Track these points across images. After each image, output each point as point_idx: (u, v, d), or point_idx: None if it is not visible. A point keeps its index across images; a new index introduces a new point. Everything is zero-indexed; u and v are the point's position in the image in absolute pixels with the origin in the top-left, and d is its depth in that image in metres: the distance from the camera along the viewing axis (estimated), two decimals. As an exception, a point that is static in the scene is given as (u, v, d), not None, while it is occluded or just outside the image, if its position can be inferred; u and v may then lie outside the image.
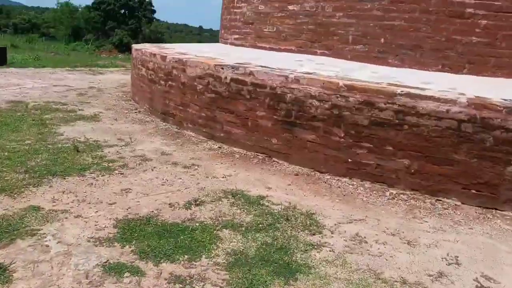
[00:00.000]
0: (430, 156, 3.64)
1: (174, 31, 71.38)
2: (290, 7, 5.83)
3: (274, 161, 4.33)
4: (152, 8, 45.60)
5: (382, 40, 5.04)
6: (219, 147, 4.70)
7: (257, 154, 4.47)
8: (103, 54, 28.66)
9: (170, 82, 5.46)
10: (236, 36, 6.95)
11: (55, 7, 42.18)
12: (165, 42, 40.00)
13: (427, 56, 4.84)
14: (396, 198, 3.63)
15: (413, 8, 4.86)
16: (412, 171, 3.71)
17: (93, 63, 14.15)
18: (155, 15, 46.96)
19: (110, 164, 3.89)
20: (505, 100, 3.51)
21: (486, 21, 4.56)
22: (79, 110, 6.03)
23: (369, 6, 5.09)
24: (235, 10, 6.98)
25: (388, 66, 5.03)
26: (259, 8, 6.34)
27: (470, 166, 3.53)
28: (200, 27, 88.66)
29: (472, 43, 4.64)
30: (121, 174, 3.69)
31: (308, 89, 4.08)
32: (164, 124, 5.55)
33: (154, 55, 5.84)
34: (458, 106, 3.51)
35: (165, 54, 5.62)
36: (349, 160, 3.95)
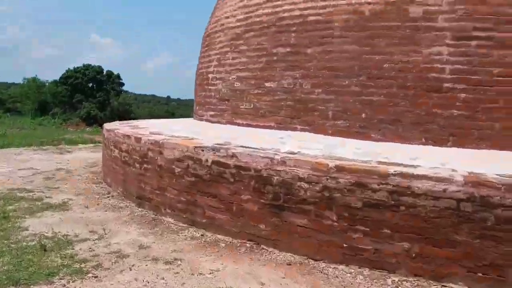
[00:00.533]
0: (431, 238, 3.44)
1: (142, 101, 71.68)
2: (267, 84, 5.79)
3: (263, 248, 4.02)
4: (120, 81, 45.91)
5: (363, 115, 5.00)
6: (201, 234, 4.36)
7: (244, 241, 4.15)
8: (70, 128, 28.23)
9: (145, 165, 5.18)
10: (212, 113, 6.84)
11: (22, 82, 41.93)
12: (133, 113, 40.10)
13: (408, 129, 4.80)
14: (399, 286, 3.36)
15: (390, 84, 4.88)
16: (413, 255, 3.48)
17: (60, 137, 13.76)
18: (123, 87, 47.13)
19: (82, 265, 3.47)
20: (501, 176, 3.41)
21: (465, 95, 4.59)
22: (46, 197, 5.60)
23: (347, 82, 5.10)
24: (209, 87, 6.93)
25: (370, 140, 4.95)
26: (235, 85, 6.29)
27: (473, 247, 3.33)
28: (168, 97, 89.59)
29: (453, 116, 4.63)
30: (95, 277, 3.28)
31: (296, 171, 3.88)
32: (139, 209, 5.18)
33: (128, 136, 5.59)
34: (456, 185, 3.37)
35: (139, 136, 5.39)
36: (344, 245, 3.69)
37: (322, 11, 5.42)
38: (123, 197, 5.69)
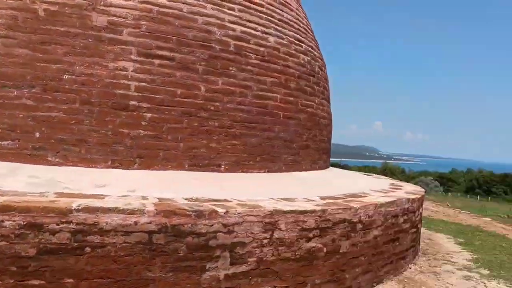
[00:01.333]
0: (122, 281, 3.02)
1: None
2: None
3: None
4: None
5: (38, 134, 4.14)
6: None
7: None
8: None
9: None
10: None
11: None
12: None
13: (94, 151, 4.26)
14: None
15: (72, 99, 4.22)
16: (102, 303, 2.97)
17: None
18: None
19: None
20: (191, 201, 3.34)
21: (151, 114, 4.43)
22: None
23: (15, 93, 4.11)
24: None
25: (48, 165, 4.13)
26: None
27: (167, 282, 3.12)
28: None
29: (140, 137, 4.38)
30: None
31: None
32: None
33: None
34: (147, 216, 3.07)
35: None
36: (12, 308, 2.83)
37: (-21, 1, 4.24)
38: None
